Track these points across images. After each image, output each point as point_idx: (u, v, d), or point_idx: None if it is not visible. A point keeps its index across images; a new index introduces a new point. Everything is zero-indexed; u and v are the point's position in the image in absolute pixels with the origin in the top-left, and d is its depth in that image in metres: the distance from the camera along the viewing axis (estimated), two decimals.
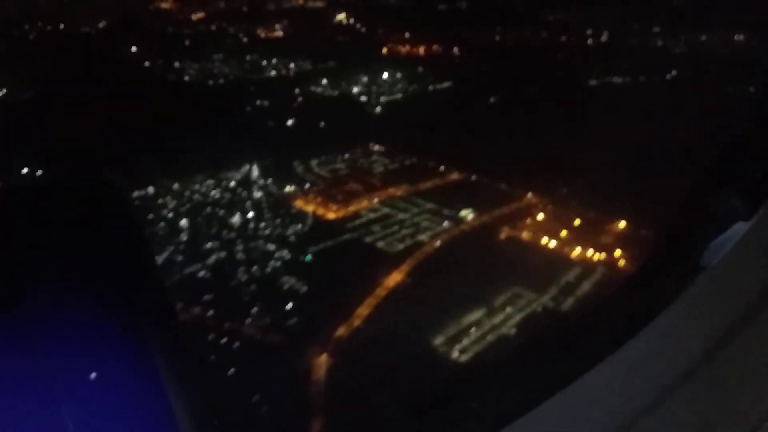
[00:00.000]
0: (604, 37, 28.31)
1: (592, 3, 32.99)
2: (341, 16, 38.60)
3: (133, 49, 31.04)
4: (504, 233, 14.74)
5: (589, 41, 27.81)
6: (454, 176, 17.48)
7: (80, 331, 1.07)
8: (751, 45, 24.88)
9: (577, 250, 14.05)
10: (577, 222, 14.96)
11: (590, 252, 13.95)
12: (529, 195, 16.20)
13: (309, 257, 13.24)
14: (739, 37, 25.05)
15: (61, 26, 34.84)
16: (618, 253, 13.87)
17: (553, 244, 14.34)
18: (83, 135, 19.87)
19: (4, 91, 23.13)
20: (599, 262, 13.76)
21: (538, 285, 12.89)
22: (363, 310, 11.99)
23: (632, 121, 20.20)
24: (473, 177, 17.44)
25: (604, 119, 21.09)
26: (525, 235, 14.57)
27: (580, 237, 14.38)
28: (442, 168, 17.88)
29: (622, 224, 14.91)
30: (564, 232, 14.47)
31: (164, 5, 40.78)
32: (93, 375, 1.02)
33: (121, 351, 1.07)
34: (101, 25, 36.71)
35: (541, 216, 15.32)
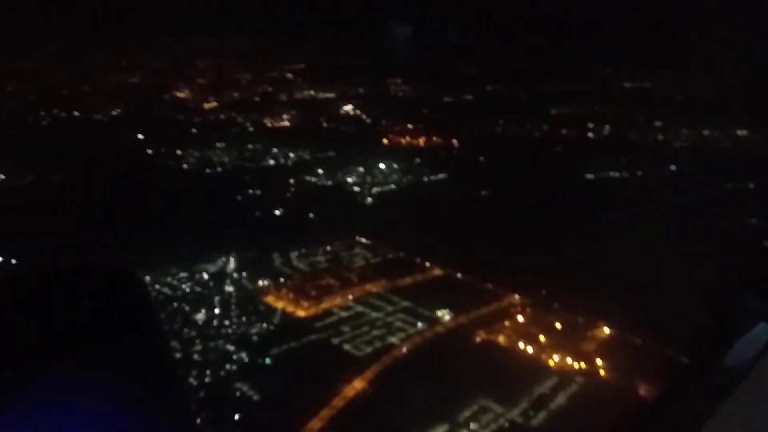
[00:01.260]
0: (605, 131, 28.18)
1: (598, 97, 33.19)
2: (348, 107, 39.45)
3: (140, 136, 31.87)
4: (480, 336, 13.92)
5: (590, 134, 27.67)
6: (436, 272, 16.89)
7: (94, 413, 1.08)
8: (754, 140, 24.42)
9: (555, 357, 13.13)
10: (557, 326, 14.12)
11: (569, 360, 13.01)
12: (511, 296, 15.48)
13: (268, 361, 12.57)
14: (742, 132, 24.64)
15: (76, 113, 36.14)
16: (599, 362, 12.90)
17: (530, 350, 13.46)
18: (66, 221, 19.95)
19: (2, 177, 23.58)
20: (578, 371, 12.79)
21: (508, 397, 11.93)
22: (315, 424, 11.15)
23: (629, 217, 19.55)
24: (456, 274, 16.84)
25: (599, 217, 20.49)
26: (501, 339, 13.74)
27: (560, 343, 13.49)
28: (425, 263, 17.33)
29: (605, 330, 14.03)
30: (542, 338, 13.62)
31: (180, 94, 42.24)
32: None
33: (131, 426, 1.10)
34: (115, 112, 38.01)
35: (520, 318, 14.52)
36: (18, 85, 34.93)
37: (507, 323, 14.20)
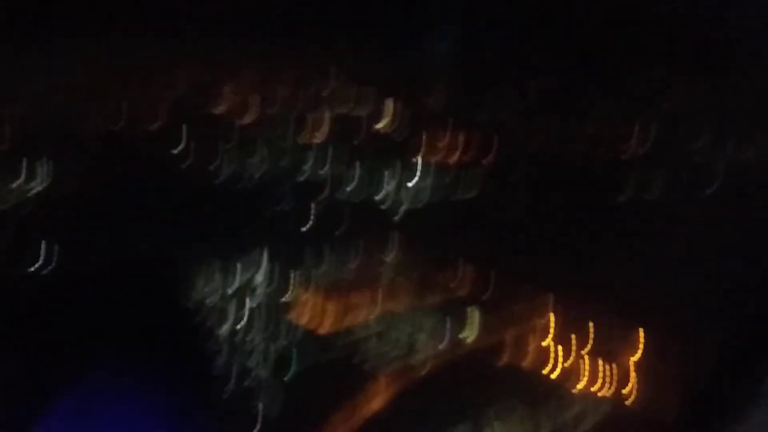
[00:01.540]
0: (643, 150, 27.50)
1: (637, 114, 32.42)
2: (382, 122, 39.60)
3: (176, 150, 32.45)
4: (503, 360, 13.67)
5: (624, 155, 27.04)
6: (464, 292, 16.66)
7: (134, 399, 2.52)
8: None
9: (583, 382, 12.76)
10: (587, 349, 13.72)
11: (597, 386, 12.62)
12: (540, 316, 15.13)
13: (288, 378, 12.56)
14: None
15: (119, 126, 37.15)
16: (629, 388, 12.47)
17: (555, 374, 13.12)
18: (96, 231, 20.32)
19: (44, 183, 24.26)
20: (605, 398, 12.40)
21: (530, 424, 11.66)
22: None
23: (665, 241, 18.97)
24: (484, 294, 16.58)
25: (632, 240, 19.90)
26: (526, 362, 13.44)
27: (588, 366, 13.11)
28: (452, 283, 17.13)
29: (638, 355, 13.54)
30: (570, 360, 13.25)
31: (218, 110, 43.05)
32: None
33: (170, 421, 2.53)
34: (154, 126, 38.97)
35: (548, 341, 14.19)
36: (66, 97, 35.73)
37: (533, 345, 13.90)
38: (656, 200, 22.72)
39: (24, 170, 24.76)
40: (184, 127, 33.52)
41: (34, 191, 23.98)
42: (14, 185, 24.25)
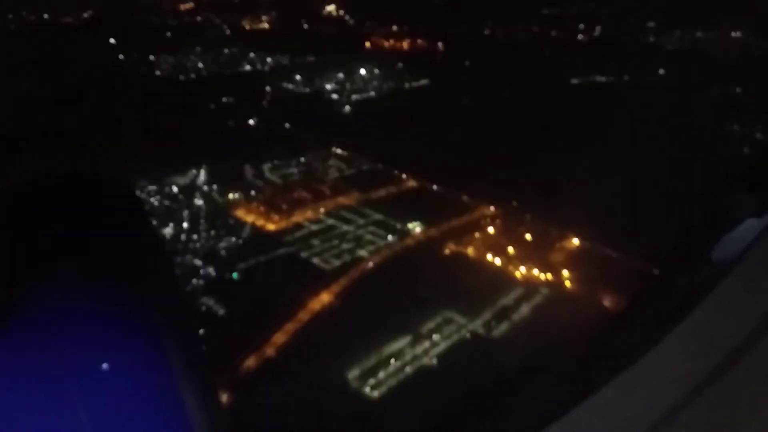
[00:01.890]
0: (596, 32, 27.03)
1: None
2: (331, 8, 37.69)
3: (111, 41, 30.56)
4: (449, 248, 13.86)
5: (580, 36, 26.55)
6: (411, 184, 16.59)
7: (93, 324, 1.09)
8: (748, 42, 23.50)
9: (522, 269, 13.11)
10: (528, 237, 14.01)
11: (536, 271, 13.00)
12: (484, 207, 15.27)
13: (235, 275, 12.53)
14: (736, 34, 23.65)
15: (45, 16, 34.50)
16: (566, 273, 12.90)
17: (498, 261, 13.43)
18: (39, 130, 19.44)
19: None
20: (544, 282, 12.81)
21: (472, 308, 12.02)
22: (279, 337, 11.25)
23: (612, 124, 19.06)
24: (431, 186, 16.56)
25: (581, 124, 19.94)
26: (470, 251, 13.68)
27: (528, 254, 13.45)
28: (401, 175, 17.01)
29: (575, 241, 13.94)
30: (511, 249, 13.54)
31: (181, 6, 40.09)
32: (105, 366, 1.02)
33: (134, 344, 1.09)
34: (86, 15, 36.33)
35: (491, 230, 14.40)
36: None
37: (477, 235, 14.10)
38: (607, 82, 22.67)
39: None
40: (118, 17, 31.35)
41: None
42: None
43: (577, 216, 15.40)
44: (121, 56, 26.73)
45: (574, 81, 21.45)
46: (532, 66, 23.35)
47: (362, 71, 23.51)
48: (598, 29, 25.77)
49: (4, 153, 18.57)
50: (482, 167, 17.30)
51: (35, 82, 23.05)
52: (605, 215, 15.46)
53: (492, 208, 15.12)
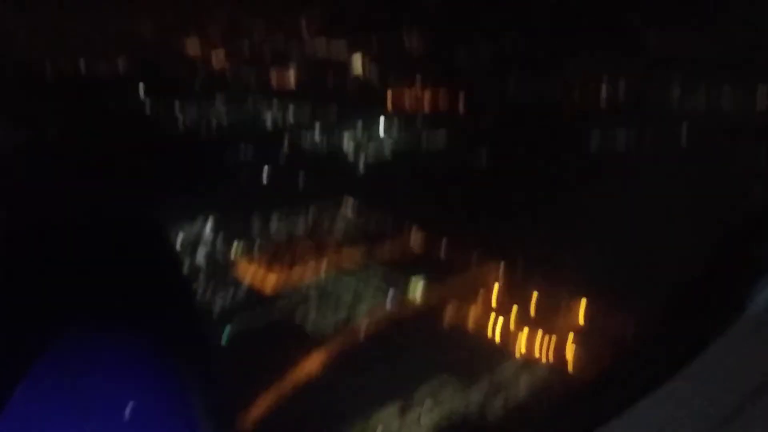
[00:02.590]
0: (620, 88, 26.69)
1: (618, 52, 31.18)
2: (357, 62, 38.38)
3: (141, 92, 31.31)
4: (450, 310, 13.33)
5: (603, 94, 26.24)
6: (419, 241, 16.20)
7: (119, 367, 1.46)
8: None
9: (525, 334, 12.47)
10: (534, 296, 13.43)
11: (540, 335, 12.38)
12: (491, 266, 14.74)
13: (225, 339, 12.18)
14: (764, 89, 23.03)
15: (81, 65, 35.90)
16: (571, 338, 12.20)
17: (500, 324, 12.83)
18: (53, 180, 19.72)
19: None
20: (548, 349, 12.14)
21: (470, 377, 11.45)
22: (266, 400, 10.82)
23: (634, 180, 18.50)
24: (439, 243, 16.15)
25: (600, 181, 19.38)
26: (472, 312, 13.12)
27: (534, 317, 12.82)
28: (408, 230, 16.67)
29: (583, 303, 13.25)
30: (515, 311, 12.93)
31: (188, 47, 41.59)
32: (128, 411, 1.29)
33: (157, 389, 1.49)
34: (120, 64, 37.73)
35: (496, 288, 13.85)
36: (27, 34, 34.23)
37: (482, 294, 13.61)
38: (623, 154, 22.07)
39: None
40: (146, 72, 32.46)
41: None
42: None
43: (589, 277, 14.79)
44: (147, 105, 27.31)
45: (594, 138, 21.03)
46: (551, 124, 23.07)
47: (381, 126, 23.61)
48: (622, 85, 25.49)
49: (34, 197, 18.99)
50: (493, 226, 16.89)
51: (63, 129, 23.58)
52: (620, 277, 14.80)
53: (500, 267, 14.59)
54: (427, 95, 26.73)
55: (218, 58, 29.69)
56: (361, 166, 22.02)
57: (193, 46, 29.56)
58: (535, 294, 13.16)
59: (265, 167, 20.96)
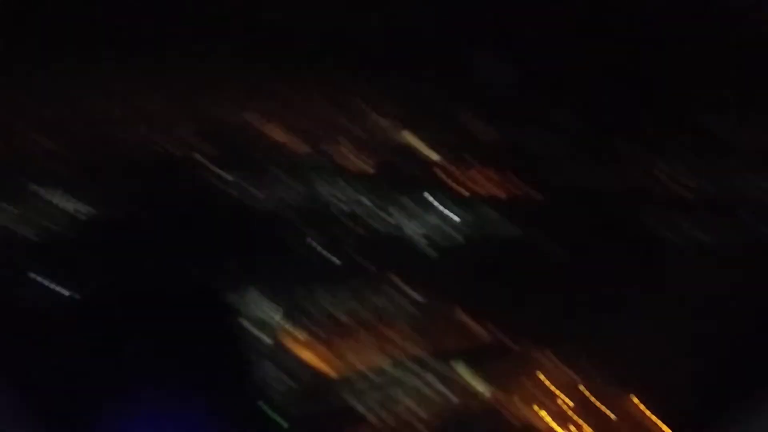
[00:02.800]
0: (704, 186, 25.66)
1: (705, 149, 30.19)
2: (431, 153, 39.01)
3: (224, 174, 32.92)
4: (513, 408, 12.71)
5: (686, 192, 25.28)
6: (483, 335, 15.68)
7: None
8: None
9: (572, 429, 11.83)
10: (582, 391, 12.71)
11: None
12: (539, 352, 14.18)
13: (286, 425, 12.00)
14: None
15: (175, 151, 38.29)
16: None
17: (543, 415, 12.25)
18: (125, 254, 20.63)
19: (89, 209, 24.87)
20: None
21: None
22: None
23: (708, 280, 17.40)
24: (504, 339, 15.56)
25: (674, 279, 18.37)
26: (541, 422, 12.38)
27: (581, 412, 12.11)
28: (472, 325, 16.18)
29: (636, 402, 12.37)
30: (562, 404, 12.30)
31: (272, 134, 43.82)
32: None
33: None
34: (211, 150, 39.98)
35: (543, 378, 13.26)
36: (119, 117, 37.13)
37: (526, 384, 13.13)
38: (704, 243, 20.93)
39: (73, 193, 25.76)
40: (224, 153, 34.09)
41: (81, 214, 24.87)
42: (63, 207, 25.25)
43: (640, 373, 13.87)
44: (227, 188, 28.66)
45: (670, 237, 20.10)
46: (627, 217, 22.35)
47: (451, 214, 23.58)
48: (703, 184, 24.51)
49: (109, 264, 19.87)
50: (543, 311, 16.36)
51: (140, 205, 25.04)
52: (674, 375, 13.74)
53: (547, 355, 13.98)
54: (487, 178, 26.55)
55: (291, 140, 30.68)
56: (429, 252, 21.80)
57: (276, 134, 30.78)
58: (580, 386, 12.35)
59: (324, 247, 21.12)
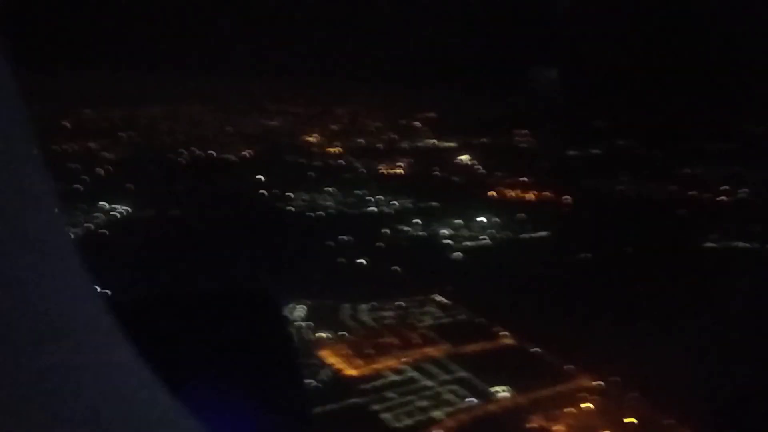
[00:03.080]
0: (741, 194, 24.92)
1: (741, 157, 29.31)
2: (465, 157, 38.76)
3: (260, 177, 33.61)
4: (535, 422, 12.47)
5: (722, 198, 24.59)
6: (508, 341, 15.55)
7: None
8: None
9: None
10: (629, 423, 12.21)
11: None
12: (584, 378, 13.74)
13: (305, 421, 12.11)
14: None
15: (212, 153, 39.13)
16: None
17: (567, 423, 11.79)
18: (160, 256, 21.28)
19: (126, 209, 25.77)
20: None
21: None
22: None
23: (748, 298, 16.86)
24: (529, 346, 15.38)
25: (711, 295, 17.82)
26: (558, 428, 12.17)
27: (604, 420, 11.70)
28: (498, 330, 16.08)
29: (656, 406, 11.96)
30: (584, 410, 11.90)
31: (310, 139, 44.26)
32: None
33: None
34: (247, 153, 40.68)
35: (587, 406, 12.80)
36: (168, 125, 38.36)
37: (571, 410, 12.63)
38: (750, 248, 20.29)
39: (116, 193, 26.65)
40: (271, 156, 34.59)
41: (119, 214, 25.72)
42: (102, 207, 26.13)
43: (694, 407, 13.36)
44: (263, 191, 29.28)
45: (709, 245, 19.60)
46: (662, 224, 21.87)
47: (481, 219, 23.49)
48: (744, 192, 23.80)
49: (159, 269, 20.52)
50: (590, 332, 15.91)
51: (181, 209, 25.85)
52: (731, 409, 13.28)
53: (593, 381, 13.58)
54: (532, 192, 26.24)
55: (335, 151, 31.17)
56: (458, 257, 21.64)
57: (314, 139, 31.35)
58: (631, 419, 12.06)
59: (363, 257, 21.15)
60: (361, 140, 44.26)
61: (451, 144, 41.50)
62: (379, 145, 43.56)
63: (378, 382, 13.76)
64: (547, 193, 30.12)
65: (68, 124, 36.16)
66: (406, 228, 25.79)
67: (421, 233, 25.18)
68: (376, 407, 12.97)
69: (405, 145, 42.96)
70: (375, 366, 14.27)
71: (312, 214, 29.77)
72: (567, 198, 30.38)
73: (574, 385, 13.51)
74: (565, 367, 14.24)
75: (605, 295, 17.31)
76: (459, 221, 26.42)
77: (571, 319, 16.24)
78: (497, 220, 26.30)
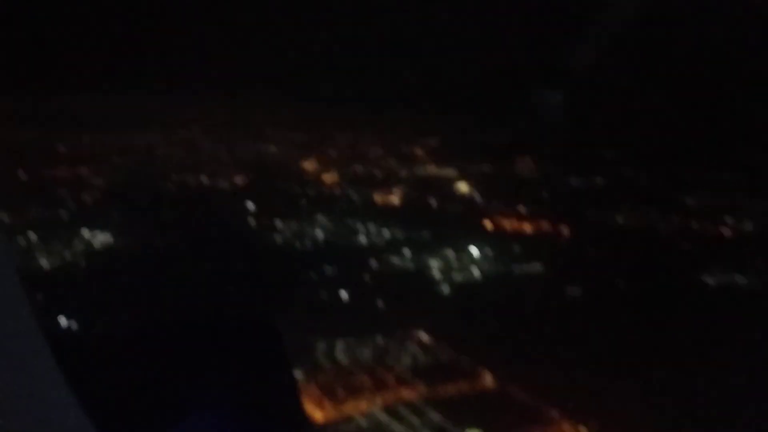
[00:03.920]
0: (744, 227, 23.97)
1: (746, 187, 28.39)
2: (464, 186, 38.02)
3: (249, 205, 33.00)
4: None
5: (724, 230, 23.65)
6: (489, 383, 14.63)
7: None
8: None
9: None
10: None
11: None
12: (567, 424, 12.78)
13: None
14: None
15: (203, 179, 38.64)
16: None
17: None
18: (141, 286, 20.62)
19: (107, 238, 25.13)
20: None
21: None
22: None
23: (747, 337, 15.86)
24: (510, 389, 14.44)
25: (707, 334, 16.81)
26: None
27: None
28: (478, 370, 15.15)
29: None
30: None
31: (306, 165, 43.74)
32: None
33: None
34: (239, 180, 40.18)
35: None
36: (163, 150, 37.98)
37: None
38: (748, 284, 19.26)
39: (99, 221, 26.11)
40: (260, 188, 34.05)
41: (101, 243, 25.14)
42: (85, 235, 25.58)
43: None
44: (252, 220, 28.64)
45: (709, 280, 18.63)
46: (661, 258, 20.94)
47: (473, 250, 22.65)
48: (748, 224, 22.88)
49: (160, 293, 19.87)
50: (577, 375, 14.96)
51: (163, 239, 25.24)
52: None
53: (573, 428, 12.61)
54: (529, 223, 25.11)
55: (330, 178, 30.28)
56: (445, 291, 20.65)
57: (310, 166, 30.47)
58: None
59: (345, 290, 20.25)
60: (359, 167, 43.72)
61: (450, 171, 40.84)
62: (377, 172, 42.98)
63: (346, 427, 12.90)
64: (544, 224, 29.26)
65: (62, 149, 35.91)
66: (394, 259, 24.93)
67: (409, 265, 24.32)
68: None
69: (403, 173, 42.34)
70: (344, 408, 13.41)
71: (298, 243, 29.05)
72: (564, 229, 29.53)
73: (553, 430, 12.57)
74: (546, 411, 13.31)
75: (593, 335, 16.39)
76: (450, 252, 25.51)
77: (558, 361, 15.33)
78: (490, 251, 25.41)
